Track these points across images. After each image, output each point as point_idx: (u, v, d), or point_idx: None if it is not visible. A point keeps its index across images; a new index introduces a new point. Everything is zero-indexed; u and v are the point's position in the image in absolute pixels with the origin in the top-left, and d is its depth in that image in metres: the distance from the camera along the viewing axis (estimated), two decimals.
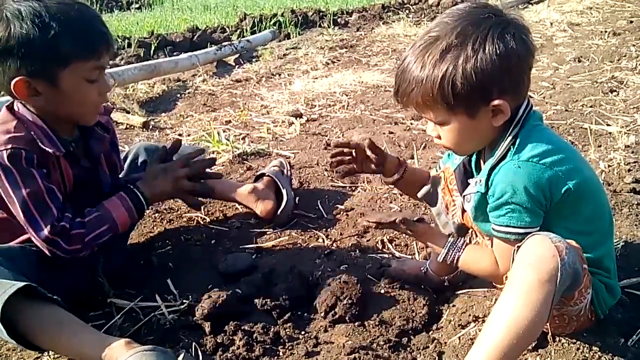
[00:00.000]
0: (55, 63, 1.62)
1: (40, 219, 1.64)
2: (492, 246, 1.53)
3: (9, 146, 1.63)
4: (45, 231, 1.63)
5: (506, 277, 1.42)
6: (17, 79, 1.62)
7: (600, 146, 2.93)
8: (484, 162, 1.50)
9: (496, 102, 1.36)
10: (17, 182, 1.63)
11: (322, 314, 1.74)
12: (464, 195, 1.56)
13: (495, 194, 1.41)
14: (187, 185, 1.94)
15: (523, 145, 1.39)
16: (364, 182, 2.71)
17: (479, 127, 1.42)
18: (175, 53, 5.66)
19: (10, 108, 1.74)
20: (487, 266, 1.52)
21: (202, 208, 2.47)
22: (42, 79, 1.64)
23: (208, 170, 2.10)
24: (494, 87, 1.35)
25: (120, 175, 2.08)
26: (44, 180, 1.66)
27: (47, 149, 1.69)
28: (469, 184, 1.54)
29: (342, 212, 2.42)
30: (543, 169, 1.36)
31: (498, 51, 1.33)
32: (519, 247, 1.35)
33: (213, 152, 3.14)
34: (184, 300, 1.80)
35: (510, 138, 1.41)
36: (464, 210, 1.61)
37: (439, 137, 1.49)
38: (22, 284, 1.49)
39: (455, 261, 1.58)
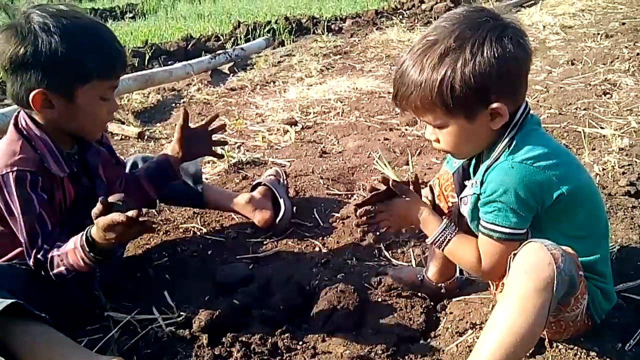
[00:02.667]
0: (76, 79, 1.66)
1: (29, 246, 1.68)
2: None
3: (15, 168, 1.66)
4: (31, 260, 1.69)
5: (502, 284, 1.43)
6: (36, 91, 1.64)
7: (594, 149, 2.94)
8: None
9: (494, 105, 1.38)
10: (17, 207, 1.66)
11: (320, 324, 1.74)
12: (461, 198, 1.57)
13: (486, 191, 1.42)
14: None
15: (519, 147, 1.40)
16: (360, 190, 2.71)
17: (477, 130, 1.43)
18: (169, 62, 5.67)
19: (16, 125, 1.74)
20: (471, 259, 1.52)
21: (198, 218, 2.47)
22: (60, 92, 1.67)
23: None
24: (492, 91, 1.36)
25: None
26: (40, 207, 1.68)
27: (51, 170, 1.71)
28: (466, 186, 1.55)
29: (338, 220, 2.42)
30: (536, 172, 1.37)
31: (496, 54, 1.34)
32: (515, 254, 1.36)
33: (208, 162, 3.14)
34: (181, 312, 1.80)
35: (507, 140, 1.42)
36: (459, 216, 1.61)
37: (438, 141, 1.50)
38: (10, 301, 1.48)
39: (443, 244, 1.57)
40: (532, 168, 1.37)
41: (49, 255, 1.68)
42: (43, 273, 1.70)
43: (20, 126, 1.74)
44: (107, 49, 1.71)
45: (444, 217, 1.63)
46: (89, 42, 1.66)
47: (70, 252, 1.67)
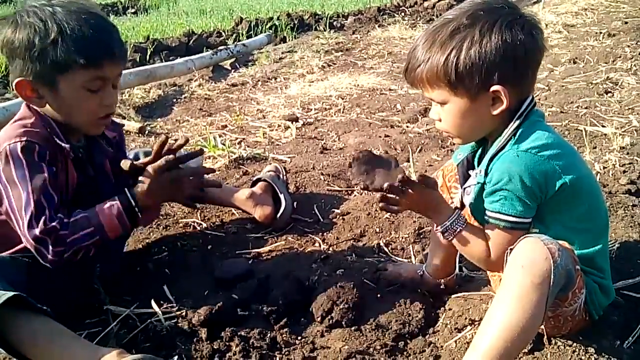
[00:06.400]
0: (53, 68, 1.65)
1: (35, 216, 1.61)
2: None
3: (24, 138, 1.66)
4: (37, 230, 1.60)
5: (496, 277, 1.43)
6: (18, 79, 1.66)
7: (595, 148, 2.94)
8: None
9: (495, 87, 1.39)
10: (25, 175, 1.63)
11: (319, 319, 1.74)
12: (465, 188, 1.58)
13: (492, 180, 1.43)
14: (188, 193, 1.89)
15: (524, 137, 1.41)
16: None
17: (477, 112, 1.45)
18: (171, 58, 5.66)
19: (29, 105, 1.76)
20: (481, 250, 1.50)
21: (198, 213, 2.47)
22: (43, 82, 1.67)
23: (207, 177, 2.11)
24: (495, 74, 1.38)
25: None
26: (49, 178, 1.65)
27: (61, 144, 1.72)
28: (470, 177, 1.55)
29: (338, 216, 2.42)
30: (541, 161, 1.38)
31: (504, 38, 1.37)
32: (511, 249, 1.36)
33: (209, 157, 3.14)
34: (181, 307, 1.80)
35: (512, 129, 1.44)
36: (462, 206, 1.62)
37: (440, 120, 1.52)
38: (12, 293, 1.48)
39: (452, 236, 1.52)
40: (537, 157, 1.38)
41: (72, 219, 1.66)
42: (51, 246, 1.61)
43: (31, 107, 1.75)
44: (88, 39, 1.64)
45: (456, 209, 1.59)
46: (64, 32, 1.62)
47: (104, 209, 1.71)
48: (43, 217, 1.61)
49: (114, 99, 1.79)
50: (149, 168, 1.79)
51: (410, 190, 1.52)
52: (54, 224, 1.62)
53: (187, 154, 1.88)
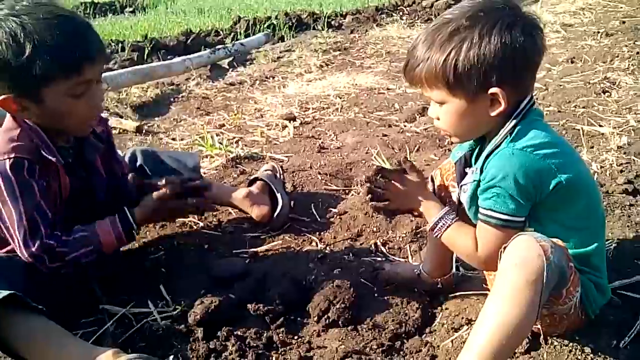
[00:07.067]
0: (34, 83, 1.58)
1: (29, 234, 1.65)
2: None
3: (12, 155, 1.64)
4: (33, 248, 1.65)
5: (492, 276, 1.43)
6: (1, 97, 1.61)
7: (592, 147, 2.94)
8: None
9: (493, 89, 1.39)
10: (16, 193, 1.64)
11: (315, 319, 1.74)
12: (461, 186, 1.58)
13: (486, 177, 1.43)
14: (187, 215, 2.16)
15: (520, 135, 1.41)
16: (357, 186, 2.71)
17: (475, 112, 1.44)
18: (169, 57, 5.65)
19: (13, 115, 1.73)
20: (469, 246, 1.51)
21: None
22: (26, 97, 1.63)
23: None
24: (493, 76, 1.38)
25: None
26: (40, 194, 1.67)
27: (49, 157, 1.70)
28: (467, 175, 1.55)
29: (335, 216, 2.42)
30: (536, 160, 1.38)
31: (503, 41, 1.36)
32: (504, 247, 1.37)
33: (206, 156, 3.14)
34: (177, 306, 1.80)
35: (509, 127, 1.43)
36: (459, 204, 1.62)
37: (438, 119, 1.52)
38: (7, 292, 1.48)
39: (442, 231, 1.57)
40: (532, 155, 1.38)
41: (71, 237, 1.71)
42: (48, 262, 1.67)
43: (16, 117, 1.73)
44: (63, 47, 1.56)
45: (446, 206, 1.63)
46: (38, 44, 1.54)
47: (105, 229, 1.79)
48: (39, 235, 1.66)
49: (99, 97, 1.76)
50: (154, 195, 1.89)
51: (391, 180, 1.64)
52: (51, 242, 1.67)
53: (191, 186, 1.98)
